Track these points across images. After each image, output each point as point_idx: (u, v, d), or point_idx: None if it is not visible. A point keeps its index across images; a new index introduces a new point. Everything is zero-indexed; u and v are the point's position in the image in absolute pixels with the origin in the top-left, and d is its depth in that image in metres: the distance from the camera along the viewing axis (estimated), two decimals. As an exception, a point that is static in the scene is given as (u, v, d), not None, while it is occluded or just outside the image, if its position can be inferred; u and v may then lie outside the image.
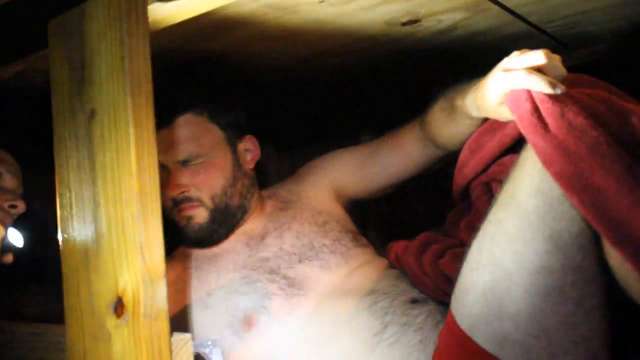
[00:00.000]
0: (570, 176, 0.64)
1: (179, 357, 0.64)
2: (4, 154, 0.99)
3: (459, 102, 0.90)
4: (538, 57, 0.73)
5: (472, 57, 1.16)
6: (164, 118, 0.99)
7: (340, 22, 0.92)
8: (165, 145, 1.01)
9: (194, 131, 1.03)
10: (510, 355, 0.70)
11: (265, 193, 1.16)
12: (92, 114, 0.61)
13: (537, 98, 0.70)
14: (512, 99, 0.73)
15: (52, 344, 0.72)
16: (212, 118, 1.05)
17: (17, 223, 0.94)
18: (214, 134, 1.05)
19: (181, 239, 1.07)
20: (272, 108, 1.44)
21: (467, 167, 0.90)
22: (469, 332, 0.72)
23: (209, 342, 0.75)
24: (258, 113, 1.16)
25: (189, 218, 1.02)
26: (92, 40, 0.61)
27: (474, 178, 0.90)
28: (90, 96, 0.61)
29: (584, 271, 0.68)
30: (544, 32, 1.08)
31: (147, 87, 0.61)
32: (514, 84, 0.73)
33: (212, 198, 1.03)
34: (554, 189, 0.66)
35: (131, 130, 0.59)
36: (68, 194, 0.64)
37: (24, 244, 0.94)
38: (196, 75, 1.08)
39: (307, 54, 1.08)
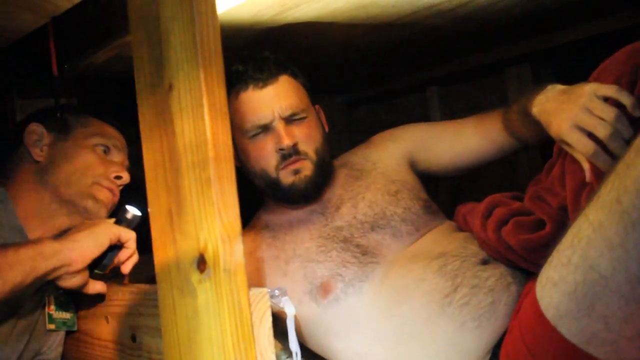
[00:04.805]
0: None
1: (257, 310, 0.69)
2: (112, 130, 1.06)
3: (529, 108, 0.93)
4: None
5: (486, 25, 1.24)
6: (265, 77, 1.05)
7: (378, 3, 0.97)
8: (268, 104, 1.05)
9: (295, 89, 1.09)
10: (600, 352, 0.68)
11: (336, 162, 1.19)
12: (170, 88, 0.66)
13: None
14: None
15: (147, 300, 0.80)
16: (301, 82, 1.12)
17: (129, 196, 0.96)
18: (306, 95, 1.12)
19: (286, 199, 1.10)
20: (343, 72, 1.54)
21: None
22: (553, 322, 0.71)
23: (277, 292, 0.73)
24: (331, 74, 1.23)
25: (298, 171, 1.05)
26: (166, 21, 0.66)
27: None
28: (167, 72, 0.66)
29: None
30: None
31: (217, 61, 0.65)
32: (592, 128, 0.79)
33: (316, 151, 1.07)
34: None
35: (205, 101, 0.64)
36: (153, 163, 0.70)
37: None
38: (279, 45, 1.14)
39: (354, 31, 1.16)
